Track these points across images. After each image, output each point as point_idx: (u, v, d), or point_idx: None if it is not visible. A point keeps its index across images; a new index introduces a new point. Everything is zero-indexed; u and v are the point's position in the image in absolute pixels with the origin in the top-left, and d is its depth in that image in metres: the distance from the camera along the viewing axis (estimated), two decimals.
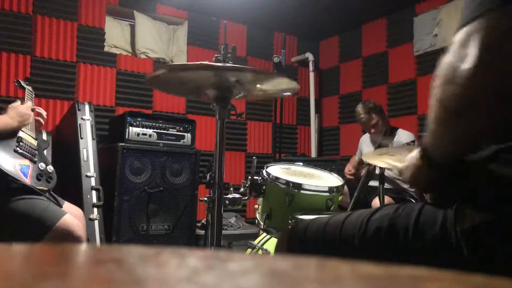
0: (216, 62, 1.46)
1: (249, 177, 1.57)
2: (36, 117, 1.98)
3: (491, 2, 0.59)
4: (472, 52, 0.59)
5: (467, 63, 0.59)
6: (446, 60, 0.64)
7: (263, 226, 1.58)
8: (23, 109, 1.82)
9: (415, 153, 0.79)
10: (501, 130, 0.65)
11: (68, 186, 2.59)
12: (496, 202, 0.65)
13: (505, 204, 0.64)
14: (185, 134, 3.22)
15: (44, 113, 2.02)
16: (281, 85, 1.49)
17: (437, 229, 0.69)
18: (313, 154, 4.60)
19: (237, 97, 1.56)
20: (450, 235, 0.67)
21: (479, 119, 0.63)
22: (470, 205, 0.67)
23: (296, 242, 0.93)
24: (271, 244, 1.88)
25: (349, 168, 3.41)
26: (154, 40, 3.95)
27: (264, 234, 1.93)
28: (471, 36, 0.60)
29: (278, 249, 1.01)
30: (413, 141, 2.32)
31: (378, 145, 2.83)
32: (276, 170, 1.65)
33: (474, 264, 0.64)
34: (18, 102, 1.85)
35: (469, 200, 0.68)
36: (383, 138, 2.73)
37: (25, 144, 1.80)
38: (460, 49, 0.61)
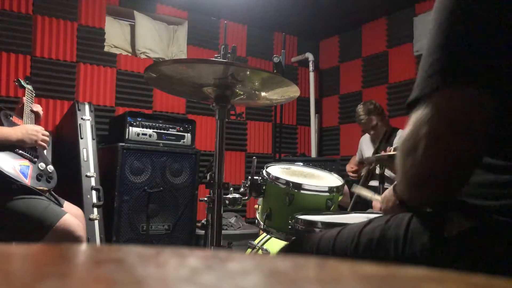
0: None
1: (249, 177, 1.57)
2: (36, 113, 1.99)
3: (442, 79, 0.63)
4: (422, 142, 0.64)
5: (421, 148, 0.64)
6: (406, 136, 0.68)
7: (263, 226, 1.58)
8: (31, 128, 1.83)
9: (390, 191, 0.91)
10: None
11: (68, 186, 2.59)
12: (482, 209, 0.66)
13: (490, 210, 0.65)
14: (185, 134, 3.22)
15: (40, 109, 2.02)
16: (287, 93, 1.50)
17: (427, 237, 0.70)
18: (313, 154, 4.60)
19: (241, 101, 1.56)
20: (439, 243, 0.69)
21: (436, 191, 0.69)
22: (457, 213, 0.68)
23: None
24: (271, 244, 1.88)
25: (351, 166, 3.40)
26: (154, 40, 3.95)
27: (264, 234, 1.93)
28: (423, 120, 0.64)
29: None
30: None
31: (377, 147, 2.84)
32: (276, 170, 1.65)
33: (462, 270, 0.65)
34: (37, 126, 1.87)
35: (456, 208, 0.69)
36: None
37: None
38: (415, 132, 0.65)
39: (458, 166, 0.64)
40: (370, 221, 0.83)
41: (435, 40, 0.66)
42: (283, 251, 1.02)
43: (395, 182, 0.85)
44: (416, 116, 0.65)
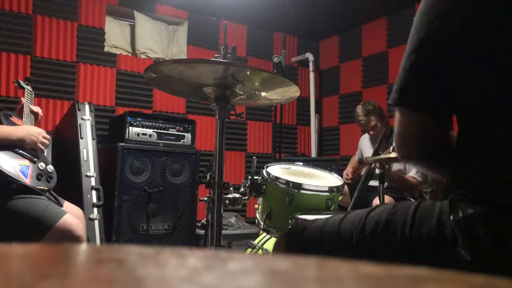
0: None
1: (249, 177, 1.57)
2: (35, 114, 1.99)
3: (398, 100, 0.81)
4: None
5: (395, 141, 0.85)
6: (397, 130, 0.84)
7: (263, 226, 1.58)
8: (32, 129, 1.83)
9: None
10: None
11: (68, 186, 2.59)
12: (487, 195, 0.71)
13: (495, 196, 0.70)
14: (185, 134, 3.22)
15: (39, 110, 2.02)
16: (287, 93, 1.50)
17: (434, 221, 0.74)
18: (313, 154, 4.60)
19: (241, 101, 1.56)
20: (446, 227, 0.73)
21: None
22: (464, 198, 0.72)
23: (294, 242, 0.95)
24: (271, 244, 1.88)
25: (347, 172, 3.40)
26: (154, 40, 3.95)
27: (264, 234, 1.93)
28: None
29: (276, 249, 1.02)
30: None
31: (377, 146, 2.83)
32: (276, 170, 1.65)
33: (467, 254, 0.70)
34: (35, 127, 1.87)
35: (463, 193, 0.73)
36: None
37: None
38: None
39: (410, 160, 0.86)
40: (377, 206, 0.86)
41: (403, 60, 0.82)
42: (286, 235, 1.01)
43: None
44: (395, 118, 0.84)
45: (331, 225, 0.88)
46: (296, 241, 0.95)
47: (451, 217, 0.72)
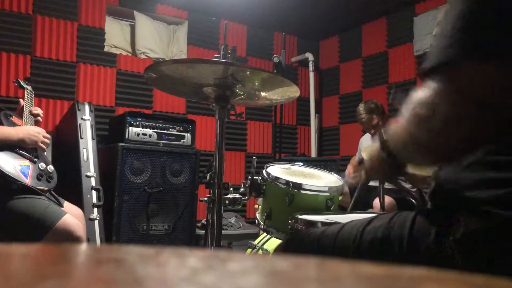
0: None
1: (249, 177, 1.57)
2: (35, 116, 1.99)
3: (458, 50, 0.61)
4: (442, 113, 0.63)
5: (439, 118, 0.64)
6: (422, 100, 0.67)
7: (263, 226, 1.58)
8: (32, 129, 1.83)
9: (376, 146, 0.86)
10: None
11: (68, 186, 2.59)
12: (489, 210, 0.65)
13: (497, 212, 0.64)
14: (185, 134, 3.22)
15: (40, 112, 2.02)
16: (287, 93, 1.50)
17: (432, 238, 0.70)
18: (313, 154, 4.60)
19: (241, 101, 1.56)
20: (444, 244, 0.68)
21: (442, 157, 0.71)
22: (464, 213, 0.67)
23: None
24: (271, 244, 1.88)
25: (349, 171, 3.40)
26: (154, 40, 3.95)
27: (264, 234, 1.93)
28: (443, 91, 0.63)
29: None
30: None
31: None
32: (276, 170, 1.65)
33: (466, 272, 0.65)
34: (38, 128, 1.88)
35: (463, 208, 0.68)
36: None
37: None
38: (434, 101, 0.64)
39: (473, 140, 0.64)
40: (373, 219, 0.82)
41: (455, 10, 0.62)
42: (282, 246, 1.01)
43: (384, 138, 0.82)
44: (435, 86, 0.64)
45: (328, 238, 0.86)
46: (295, 254, 0.93)
47: (451, 235, 0.67)
